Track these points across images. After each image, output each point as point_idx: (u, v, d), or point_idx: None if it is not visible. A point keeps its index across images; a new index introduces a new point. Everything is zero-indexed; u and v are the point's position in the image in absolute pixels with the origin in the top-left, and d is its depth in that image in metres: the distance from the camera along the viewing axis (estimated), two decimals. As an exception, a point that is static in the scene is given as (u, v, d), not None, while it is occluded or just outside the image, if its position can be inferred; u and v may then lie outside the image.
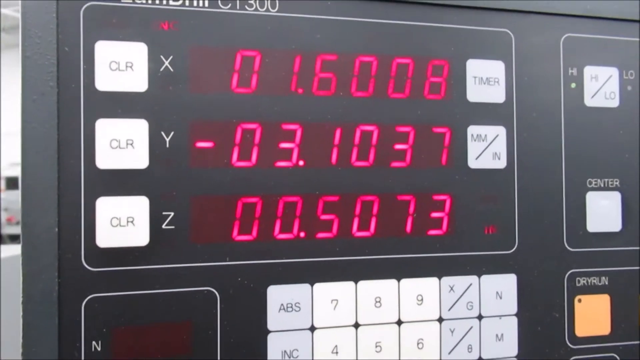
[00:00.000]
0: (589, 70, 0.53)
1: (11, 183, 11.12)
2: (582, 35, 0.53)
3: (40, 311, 0.40)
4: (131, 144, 0.42)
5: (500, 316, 0.49)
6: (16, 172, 11.82)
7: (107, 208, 0.42)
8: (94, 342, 0.41)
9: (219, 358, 0.43)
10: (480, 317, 0.49)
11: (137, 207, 0.42)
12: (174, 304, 0.43)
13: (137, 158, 0.43)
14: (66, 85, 0.42)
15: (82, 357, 0.41)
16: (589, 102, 0.53)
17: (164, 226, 0.43)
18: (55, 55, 0.42)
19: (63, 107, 0.42)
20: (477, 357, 0.48)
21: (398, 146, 0.48)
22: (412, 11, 0.48)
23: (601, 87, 0.54)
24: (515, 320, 0.49)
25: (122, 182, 0.42)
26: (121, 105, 0.42)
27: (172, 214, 0.43)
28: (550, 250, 0.51)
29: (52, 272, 0.40)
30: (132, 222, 0.42)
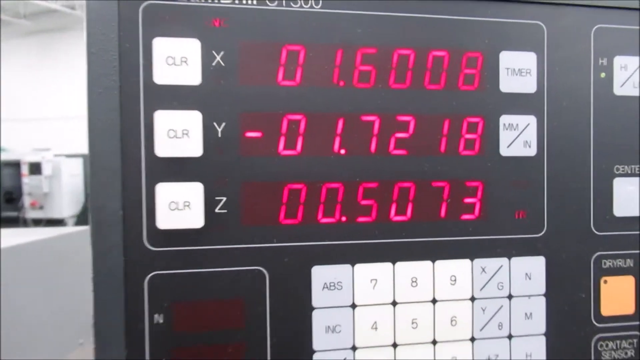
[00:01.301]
0: (618, 60, 0.55)
1: (34, 168, 11.35)
2: (613, 25, 0.55)
3: (108, 286, 0.44)
4: (186, 134, 0.46)
5: (529, 296, 0.52)
6: (38, 157, 12.03)
7: (166, 193, 0.45)
8: (156, 315, 0.45)
9: (268, 332, 0.47)
10: (510, 297, 0.52)
11: (193, 192, 0.46)
12: (227, 282, 0.46)
13: (192, 147, 0.46)
14: (127, 80, 0.45)
15: (146, 328, 0.45)
16: (618, 91, 0.55)
17: (217, 210, 0.46)
18: (117, 52, 0.45)
19: (125, 100, 0.45)
20: (507, 334, 0.51)
21: (433, 135, 0.50)
22: (448, 5, 0.51)
23: (630, 76, 0.55)
24: (543, 300, 0.52)
25: (179, 169, 0.46)
26: (177, 97, 0.46)
27: (225, 198, 0.46)
28: (578, 233, 0.53)
29: (118, 251, 0.44)
30: (188, 206, 0.46)
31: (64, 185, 11.25)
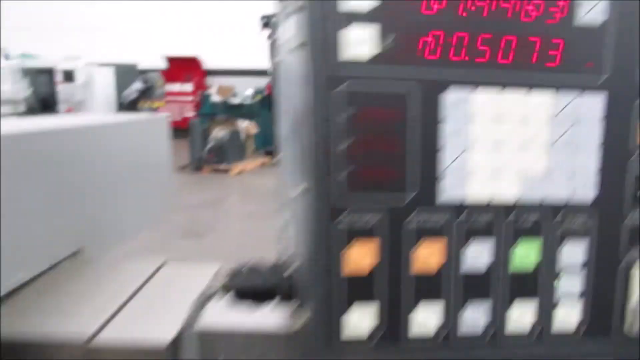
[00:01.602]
0: None
1: (67, 76, 11.59)
2: None
3: (315, 93, 0.67)
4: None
5: (591, 120, 0.73)
6: (72, 65, 12.02)
7: (346, 35, 0.66)
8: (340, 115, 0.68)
9: (406, 134, 0.69)
10: (577, 121, 0.73)
11: (366, 35, 0.67)
12: (381, 101, 0.68)
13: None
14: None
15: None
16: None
17: (382, 49, 0.67)
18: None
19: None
20: (573, 148, 0.73)
21: (530, 7, 0.69)
22: None
23: None
24: (600, 124, 0.73)
25: (358, 16, 0.66)
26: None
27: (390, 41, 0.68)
28: (634, 77, 0.73)
29: (316, 76, 0.67)
30: (359, 43, 0.67)
31: (97, 93, 11.55)
